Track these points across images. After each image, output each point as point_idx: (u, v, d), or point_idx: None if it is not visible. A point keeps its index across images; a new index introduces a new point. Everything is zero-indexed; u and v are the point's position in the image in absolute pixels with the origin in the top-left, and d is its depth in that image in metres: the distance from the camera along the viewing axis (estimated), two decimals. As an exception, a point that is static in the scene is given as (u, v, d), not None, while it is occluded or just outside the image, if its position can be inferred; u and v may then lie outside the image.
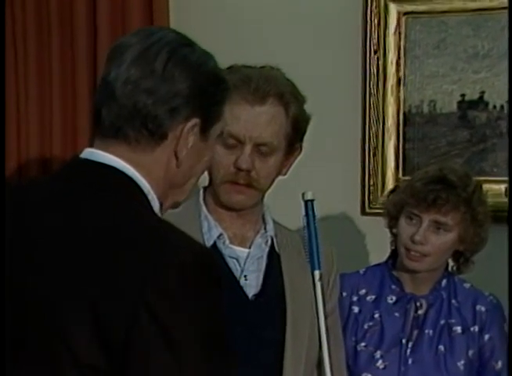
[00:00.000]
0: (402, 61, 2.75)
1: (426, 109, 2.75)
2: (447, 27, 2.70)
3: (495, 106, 2.69)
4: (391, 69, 2.75)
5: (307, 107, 1.94)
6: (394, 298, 2.28)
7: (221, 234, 1.91)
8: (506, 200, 2.62)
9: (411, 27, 2.73)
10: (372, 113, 2.77)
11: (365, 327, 2.26)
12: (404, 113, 2.76)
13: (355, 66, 2.78)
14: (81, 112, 2.88)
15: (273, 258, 1.95)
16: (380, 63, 2.75)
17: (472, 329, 2.25)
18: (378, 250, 2.43)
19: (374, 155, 2.78)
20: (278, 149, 1.88)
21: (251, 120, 1.85)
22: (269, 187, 1.93)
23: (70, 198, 1.39)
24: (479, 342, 2.25)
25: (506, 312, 2.32)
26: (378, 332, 2.25)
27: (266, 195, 1.97)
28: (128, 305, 1.26)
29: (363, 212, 2.81)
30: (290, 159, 1.94)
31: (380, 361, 2.23)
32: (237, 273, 1.91)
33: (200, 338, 1.27)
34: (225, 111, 1.72)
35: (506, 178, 2.61)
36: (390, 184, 2.74)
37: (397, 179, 2.75)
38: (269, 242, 1.95)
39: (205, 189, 1.97)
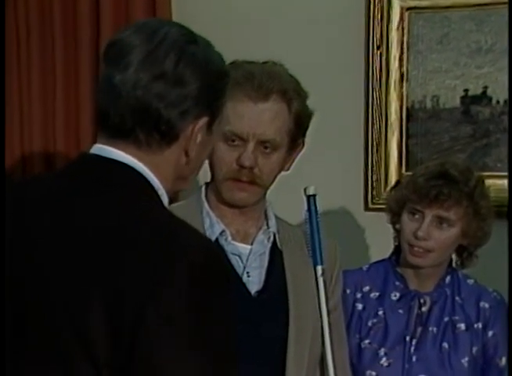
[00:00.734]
0: (404, 56, 2.74)
1: (429, 104, 2.74)
2: (450, 22, 2.70)
3: (498, 101, 2.68)
4: (394, 64, 2.75)
5: (310, 103, 1.94)
6: (398, 294, 2.28)
7: (223, 231, 1.91)
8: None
9: (414, 22, 2.73)
10: (375, 108, 2.77)
11: (369, 324, 2.26)
12: (407, 109, 2.76)
13: (357, 61, 2.78)
14: (84, 112, 2.88)
15: (275, 254, 1.94)
16: (383, 58, 2.75)
17: (476, 326, 2.25)
18: (381, 245, 2.43)
19: (377, 150, 2.78)
20: (281, 145, 1.88)
21: (255, 117, 1.85)
22: (272, 183, 1.93)
23: (74, 196, 1.38)
24: (483, 339, 2.24)
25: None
26: (382, 329, 2.25)
27: (269, 190, 1.96)
28: (133, 305, 1.25)
29: (366, 208, 2.81)
30: (293, 155, 1.94)
31: (384, 358, 2.23)
32: (240, 270, 1.90)
33: (206, 338, 1.26)
34: (228, 108, 1.73)
35: (508, 174, 2.61)
36: (393, 179, 2.73)
37: (400, 175, 2.74)
38: (271, 238, 1.95)
39: (207, 185, 1.97)
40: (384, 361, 2.23)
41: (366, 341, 2.25)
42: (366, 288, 2.29)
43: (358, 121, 2.80)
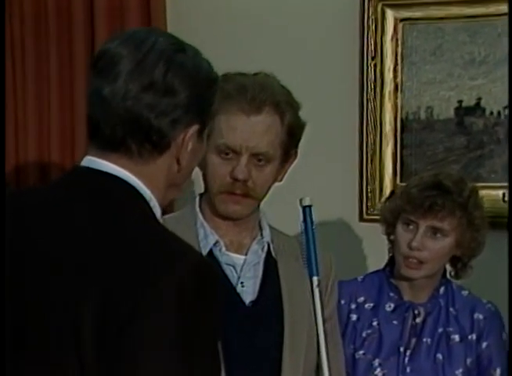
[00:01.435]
0: (399, 67, 2.75)
1: (423, 115, 2.75)
2: (444, 33, 2.71)
3: (492, 113, 2.69)
4: (389, 75, 2.76)
5: (305, 114, 1.94)
6: (392, 305, 2.28)
7: (217, 241, 1.91)
8: (504, 206, 2.62)
9: (408, 33, 2.74)
10: (369, 119, 2.78)
11: (364, 335, 2.26)
12: (401, 120, 2.77)
13: (352, 72, 2.79)
14: (79, 120, 2.88)
15: (270, 264, 1.95)
16: (378, 69, 2.76)
17: (470, 337, 2.25)
18: (376, 256, 2.43)
19: (372, 161, 2.79)
20: (274, 157, 1.88)
21: (247, 130, 1.85)
22: (266, 195, 1.93)
23: (70, 203, 1.39)
24: (477, 350, 2.24)
25: (506, 319, 2.32)
26: (376, 340, 2.25)
27: (264, 201, 1.97)
28: (122, 307, 1.26)
29: (361, 218, 2.82)
30: (286, 166, 1.94)
31: (378, 369, 2.23)
32: (234, 280, 1.90)
33: (187, 344, 1.27)
34: (221, 121, 1.74)
35: (503, 184, 2.62)
36: (387, 190, 2.73)
37: (395, 185, 2.75)
38: (266, 248, 1.95)
39: (201, 196, 1.97)
40: (378, 372, 2.23)
41: (361, 352, 2.25)
42: (361, 299, 2.30)
43: (352, 131, 2.80)
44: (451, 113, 2.73)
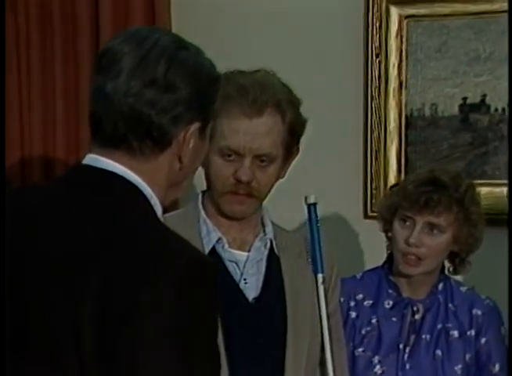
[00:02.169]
0: (403, 64, 2.75)
1: (428, 112, 2.75)
2: (448, 30, 2.71)
3: (496, 109, 2.69)
4: (393, 72, 2.76)
5: (309, 111, 1.94)
6: (391, 302, 2.28)
7: (220, 238, 1.92)
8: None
9: (412, 30, 2.74)
10: (374, 116, 2.78)
11: (363, 332, 2.26)
12: (406, 117, 2.77)
13: (357, 69, 2.79)
14: (84, 118, 2.85)
15: (273, 260, 1.95)
16: (382, 66, 2.76)
17: (469, 333, 2.25)
18: (380, 253, 2.43)
19: (376, 158, 2.79)
20: (277, 157, 1.88)
21: (250, 132, 1.85)
22: (269, 193, 1.93)
23: (71, 202, 1.40)
24: (476, 346, 2.24)
25: (506, 316, 2.32)
26: (376, 337, 2.25)
27: (268, 199, 1.97)
28: (122, 307, 1.26)
29: (366, 216, 2.82)
30: (288, 162, 1.94)
31: (377, 366, 2.23)
32: (237, 277, 1.91)
33: (186, 344, 1.28)
34: (222, 124, 1.73)
35: (508, 182, 2.61)
36: (392, 187, 2.73)
37: (399, 182, 2.75)
38: (268, 245, 1.96)
39: (203, 193, 1.98)
40: (377, 369, 2.23)
41: (360, 349, 2.25)
42: (360, 296, 2.30)
43: (357, 128, 2.81)
44: (455, 110, 2.73)
